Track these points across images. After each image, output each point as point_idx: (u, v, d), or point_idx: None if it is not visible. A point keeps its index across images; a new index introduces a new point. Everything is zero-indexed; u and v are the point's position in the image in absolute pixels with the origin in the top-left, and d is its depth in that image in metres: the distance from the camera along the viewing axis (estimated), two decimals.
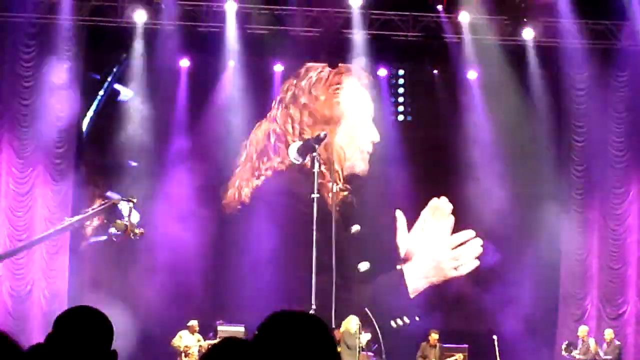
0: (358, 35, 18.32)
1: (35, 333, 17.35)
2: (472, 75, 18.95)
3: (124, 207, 11.62)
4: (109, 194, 12.08)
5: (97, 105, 19.06)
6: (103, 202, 11.75)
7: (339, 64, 19.04)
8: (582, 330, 17.68)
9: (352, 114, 19.32)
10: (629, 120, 18.72)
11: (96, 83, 19.04)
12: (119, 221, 11.62)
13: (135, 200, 11.77)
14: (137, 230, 11.63)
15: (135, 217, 11.47)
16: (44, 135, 18.10)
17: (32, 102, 18.16)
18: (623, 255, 18.60)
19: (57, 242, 17.64)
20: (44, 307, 17.91)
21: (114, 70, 19.14)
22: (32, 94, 18.16)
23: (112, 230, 11.78)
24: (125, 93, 19.07)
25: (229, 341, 2.98)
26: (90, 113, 18.99)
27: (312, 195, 10.45)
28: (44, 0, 18.08)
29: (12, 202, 18.17)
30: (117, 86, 19.22)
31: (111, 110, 18.89)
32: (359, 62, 18.60)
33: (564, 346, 17.31)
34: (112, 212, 11.62)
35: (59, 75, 17.96)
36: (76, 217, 11.83)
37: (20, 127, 18.16)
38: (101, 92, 19.12)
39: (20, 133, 18.15)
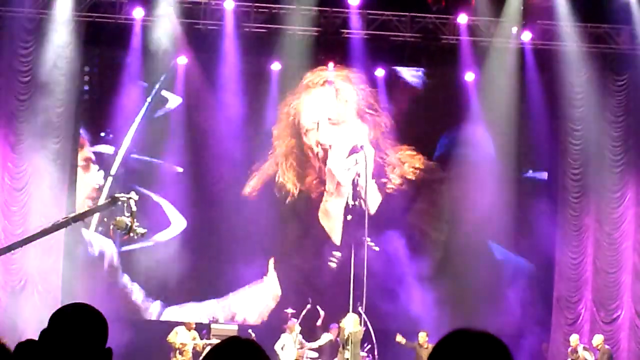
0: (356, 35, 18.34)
1: (28, 329, 17.32)
2: (469, 77, 18.91)
3: (126, 205, 11.63)
4: (117, 194, 12.04)
5: (145, 111, 19.06)
6: (105, 201, 11.78)
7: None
8: (574, 340, 17.58)
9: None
10: (626, 124, 18.70)
11: (144, 90, 19.12)
12: (119, 218, 11.61)
13: (136, 198, 11.77)
14: (139, 230, 11.62)
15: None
16: (40, 130, 18.09)
17: (29, 97, 18.13)
18: (618, 259, 18.56)
19: (51, 237, 17.58)
20: (37, 302, 17.89)
21: (162, 77, 19.16)
22: (29, 88, 18.14)
23: (113, 227, 11.78)
24: (172, 100, 19.18)
25: (236, 341, 2.94)
26: (138, 119, 19.00)
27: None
28: None
29: (7, 197, 18.15)
30: (164, 93, 19.31)
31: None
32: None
33: (569, 351, 17.28)
34: (113, 210, 11.64)
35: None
36: (75, 213, 11.86)
37: (17, 122, 18.14)
38: (149, 99, 19.13)
39: (17, 128, 18.13)
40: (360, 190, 18.73)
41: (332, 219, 19.33)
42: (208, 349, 16.93)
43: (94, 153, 19.10)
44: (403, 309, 18.32)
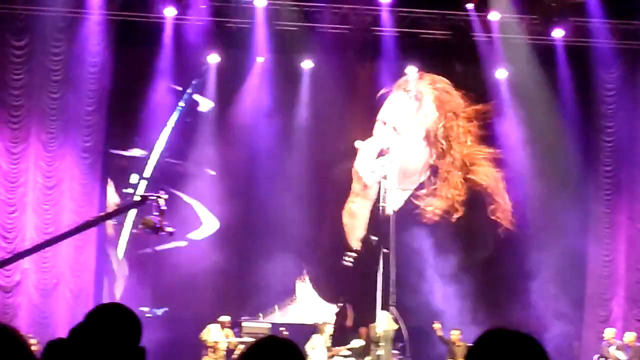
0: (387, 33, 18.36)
1: (60, 327, 17.37)
2: (501, 74, 18.89)
3: (155, 204, 11.63)
4: (145, 193, 12.04)
5: (178, 116, 19.11)
6: (132, 199, 11.78)
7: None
8: (609, 333, 17.55)
9: None
10: None
11: (177, 94, 19.16)
12: (147, 218, 11.61)
13: (165, 197, 11.78)
14: (167, 229, 11.62)
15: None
16: (72, 129, 18.14)
17: (61, 96, 18.18)
18: None
19: (83, 236, 17.61)
20: (69, 300, 17.92)
21: (194, 82, 19.21)
22: (60, 87, 18.18)
23: (141, 227, 11.77)
24: (205, 104, 19.24)
25: (273, 340, 2.95)
26: (171, 123, 19.08)
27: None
28: None
29: (39, 195, 18.18)
30: (196, 97, 19.36)
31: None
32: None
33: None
34: (142, 209, 11.62)
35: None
36: (105, 212, 11.88)
37: (49, 120, 18.18)
38: (181, 104, 19.16)
39: (48, 126, 18.17)
40: (386, 192, 18.76)
41: (355, 219, 19.32)
42: (240, 347, 17.05)
43: (127, 157, 19.09)
44: (429, 305, 18.30)
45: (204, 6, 18.04)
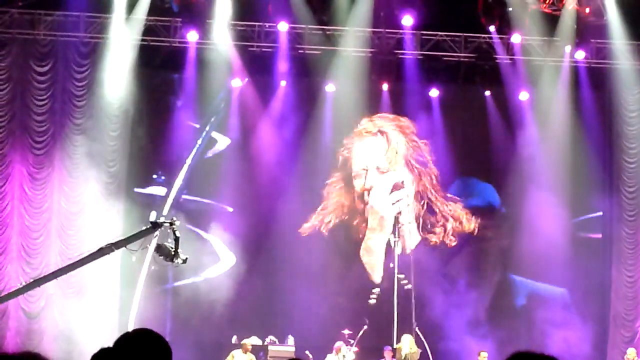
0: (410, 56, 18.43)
1: (84, 353, 17.32)
2: (523, 96, 18.94)
3: (170, 231, 11.62)
4: (158, 220, 12.01)
5: (196, 153, 19.17)
6: (146, 227, 11.74)
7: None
8: (631, 352, 17.60)
9: None
10: None
11: (196, 131, 19.22)
12: (162, 244, 11.62)
13: (178, 224, 11.78)
14: (181, 257, 11.62)
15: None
16: (96, 154, 18.13)
17: (84, 121, 18.19)
18: None
19: (110, 262, 17.55)
20: (94, 327, 17.85)
21: (212, 119, 19.25)
22: (84, 112, 18.20)
23: (156, 254, 11.77)
24: (223, 141, 19.30)
25: None
26: (189, 161, 19.12)
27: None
28: (97, 20, 18.12)
29: (63, 220, 18.18)
30: (214, 134, 19.41)
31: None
32: None
33: None
34: (153, 236, 11.61)
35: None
36: (118, 239, 11.86)
37: (73, 145, 18.18)
38: (199, 141, 19.21)
39: (73, 152, 18.17)
40: (401, 227, 18.78)
41: (373, 255, 19.35)
42: None
43: (146, 194, 19.10)
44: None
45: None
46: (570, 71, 18.60)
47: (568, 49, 18.37)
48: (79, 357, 17.15)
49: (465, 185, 19.56)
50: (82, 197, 18.21)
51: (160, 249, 11.60)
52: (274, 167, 18.91)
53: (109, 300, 18.01)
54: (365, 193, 19.39)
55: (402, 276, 18.52)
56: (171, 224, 11.68)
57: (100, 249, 12.00)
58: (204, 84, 18.55)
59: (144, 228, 11.80)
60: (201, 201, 19.20)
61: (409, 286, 18.40)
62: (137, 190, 19.04)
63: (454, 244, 19.38)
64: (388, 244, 19.11)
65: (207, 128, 19.25)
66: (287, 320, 18.49)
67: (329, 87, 18.95)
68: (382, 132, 19.37)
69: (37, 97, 18.16)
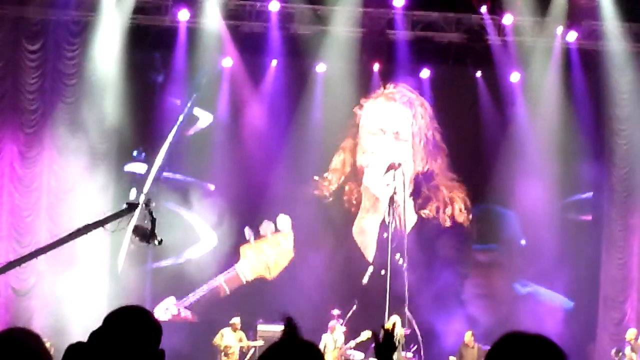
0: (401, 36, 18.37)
1: (74, 331, 17.34)
2: (515, 77, 18.90)
3: (143, 212, 11.58)
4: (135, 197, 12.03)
5: (177, 130, 19.10)
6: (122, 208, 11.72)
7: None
8: (631, 333, 17.57)
9: None
10: None
11: (176, 108, 19.12)
12: (138, 225, 11.57)
13: (153, 205, 11.75)
14: (157, 238, 11.58)
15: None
16: (87, 134, 18.13)
17: (75, 100, 18.17)
18: None
19: (99, 240, 17.58)
20: (84, 305, 17.88)
21: (194, 95, 19.19)
22: (75, 92, 18.18)
23: (132, 235, 11.69)
24: (204, 118, 19.24)
25: (293, 340, 2.97)
26: (170, 139, 19.06)
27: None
28: None
29: (53, 199, 18.19)
30: (196, 111, 19.33)
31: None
32: None
33: (613, 352, 17.27)
34: (131, 217, 11.56)
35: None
36: (94, 221, 11.89)
37: (63, 124, 18.17)
38: (180, 118, 19.15)
39: (63, 131, 18.15)
40: (397, 208, 18.63)
41: (366, 236, 19.33)
42: (252, 350, 17.05)
43: (127, 172, 19.04)
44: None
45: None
46: (562, 52, 18.54)
47: (560, 30, 18.31)
48: (68, 334, 17.15)
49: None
50: (72, 175, 18.21)
51: (137, 230, 11.53)
52: (263, 146, 18.87)
53: (99, 276, 18.04)
54: (363, 169, 19.33)
55: (397, 256, 18.51)
56: (147, 204, 11.65)
57: (78, 230, 12.05)
58: (194, 63, 18.50)
59: (120, 209, 11.79)
60: (183, 180, 19.11)
61: (405, 266, 18.38)
62: (127, 169, 19.01)
63: (448, 224, 19.36)
64: (383, 223, 19.05)
65: (189, 104, 19.14)
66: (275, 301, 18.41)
67: (320, 67, 18.90)
68: (410, 102, 19.29)
69: (28, 76, 18.14)
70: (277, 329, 17.40)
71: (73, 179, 18.20)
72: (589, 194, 19.09)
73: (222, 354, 17.44)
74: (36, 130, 18.17)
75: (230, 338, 17.51)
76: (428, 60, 18.89)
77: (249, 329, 17.91)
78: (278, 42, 18.40)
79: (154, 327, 3.28)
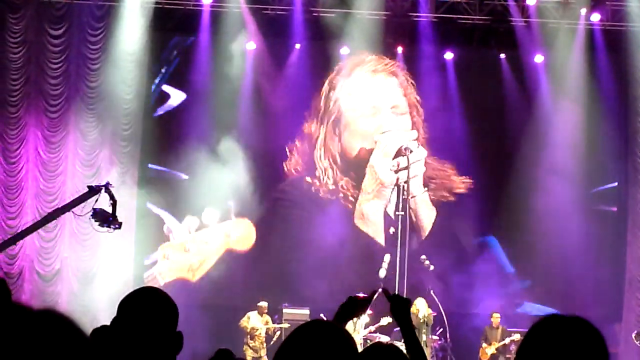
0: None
1: (99, 315, 17.37)
2: (538, 59, 18.87)
3: (103, 196, 11.56)
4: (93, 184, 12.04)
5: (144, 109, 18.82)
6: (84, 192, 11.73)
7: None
8: None
9: None
10: None
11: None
12: (99, 209, 11.55)
13: (113, 187, 11.74)
14: (118, 221, 11.54)
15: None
16: (111, 118, 18.15)
17: (99, 85, 18.19)
18: None
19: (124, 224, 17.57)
20: (109, 289, 17.90)
21: (162, 70, 19.06)
22: (98, 76, 18.19)
23: (93, 218, 11.65)
24: (176, 96, 19.05)
25: (319, 323, 2.90)
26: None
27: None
28: None
29: (78, 184, 18.16)
30: (165, 88, 19.14)
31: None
32: None
33: (634, 335, 17.23)
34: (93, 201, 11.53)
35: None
36: (60, 206, 11.96)
37: (87, 109, 18.19)
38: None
39: (87, 115, 18.18)
40: (411, 199, 17.79)
41: (369, 224, 18.95)
42: (278, 333, 17.07)
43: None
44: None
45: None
46: (586, 34, 18.49)
47: (583, 11, 18.26)
48: (94, 319, 17.17)
49: None
50: (97, 160, 18.24)
51: (96, 215, 11.48)
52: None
53: (123, 261, 18.05)
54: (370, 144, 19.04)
55: (423, 257, 18.48)
56: (106, 187, 11.64)
57: (47, 216, 12.13)
58: (217, 47, 18.50)
59: (81, 194, 11.84)
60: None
61: (431, 267, 18.42)
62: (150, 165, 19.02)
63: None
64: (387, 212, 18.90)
65: (157, 80, 18.93)
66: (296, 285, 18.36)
67: (344, 50, 18.88)
68: (394, 74, 19.05)
69: (51, 60, 18.15)
70: (302, 312, 17.57)
71: (98, 163, 18.22)
72: (614, 183, 19.03)
73: (249, 336, 17.43)
74: (60, 114, 18.19)
75: (256, 321, 17.52)
76: (452, 43, 18.84)
77: (274, 313, 17.90)
78: (302, 26, 18.39)
79: (170, 308, 3.21)
